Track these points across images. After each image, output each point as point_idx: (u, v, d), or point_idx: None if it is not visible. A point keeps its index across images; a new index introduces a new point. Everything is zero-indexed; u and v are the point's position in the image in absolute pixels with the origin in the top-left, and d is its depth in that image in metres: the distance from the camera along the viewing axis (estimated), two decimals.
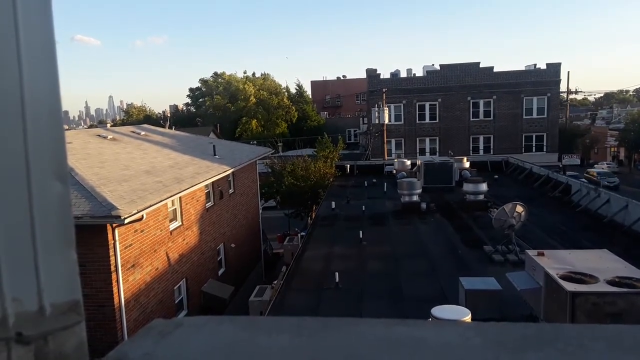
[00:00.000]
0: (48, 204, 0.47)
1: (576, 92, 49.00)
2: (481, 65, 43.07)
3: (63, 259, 0.50)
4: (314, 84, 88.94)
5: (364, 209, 20.90)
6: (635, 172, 56.99)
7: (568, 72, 43.90)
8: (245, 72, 72.42)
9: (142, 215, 13.26)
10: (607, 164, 59.17)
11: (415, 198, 20.32)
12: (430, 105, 43.59)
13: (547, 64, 42.85)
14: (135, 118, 73.51)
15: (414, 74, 49.00)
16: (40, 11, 0.47)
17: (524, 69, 44.09)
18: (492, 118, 43.13)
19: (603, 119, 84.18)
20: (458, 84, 42.74)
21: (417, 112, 43.77)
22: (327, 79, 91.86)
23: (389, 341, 0.52)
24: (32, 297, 0.48)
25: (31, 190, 0.46)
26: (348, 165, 32.89)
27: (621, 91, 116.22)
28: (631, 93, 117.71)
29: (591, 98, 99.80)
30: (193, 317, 0.61)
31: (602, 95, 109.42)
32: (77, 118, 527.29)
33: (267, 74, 73.91)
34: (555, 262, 8.66)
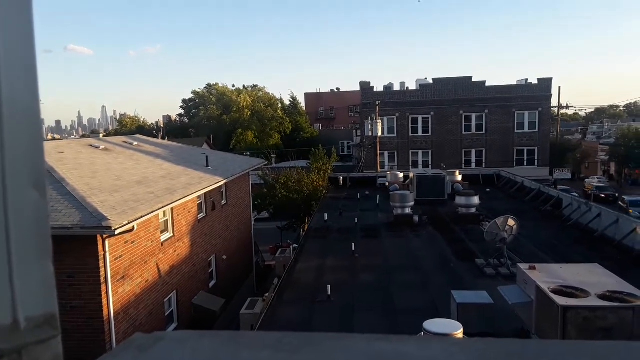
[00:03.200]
0: (24, 213, 0.46)
1: (567, 107, 49.56)
2: (473, 80, 43.49)
3: (39, 271, 0.48)
4: (308, 96, 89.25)
5: (356, 221, 20.87)
6: (625, 187, 57.45)
7: (559, 87, 44.57)
8: (234, 86, 72.43)
9: (133, 226, 13.16)
10: (597, 178, 59.64)
11: (408, 211, 20.35)
12: (423, 118, 43.87)
13: (539, 79, 43.34)
14: (129, 128, 73.24)
15: (407, 88, 49.32)
16: (19, 17, 0.46)
17: (515, 83, 44.56)
18: (484, 132, 43.45)
19: (594, 134, 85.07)
20: (451, 98, 43.09)
21: (410, 125, 44.01)
22: (321, 91, 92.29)
23: (372, 357, 0.51)
24: (6, 310, 0.46)
25: (7, 199, 0.45)
26: (341, 178, 32.90)
27: (612, 106, 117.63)
28: (622, 108, 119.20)
29: (582, 113, 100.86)
30: (174, 331, 0.60)
31: (592, 110, 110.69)
32: (69, 128, 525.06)
33: (260, 86, 74.16)
34: (547, 276, 8.67)
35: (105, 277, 12.76)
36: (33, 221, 0.47)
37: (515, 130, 43.22)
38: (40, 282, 0.49)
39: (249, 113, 63.99)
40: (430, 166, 41.47)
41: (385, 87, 49.90)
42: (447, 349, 0.51)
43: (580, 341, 0.53)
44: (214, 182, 20.56)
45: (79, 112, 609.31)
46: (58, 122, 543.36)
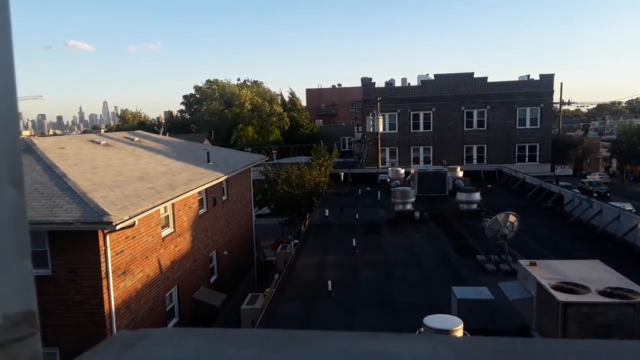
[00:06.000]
0: (1, 210, 0.45)
1: (569, 103, 49.32)
2: (475, 76, 43.33)
3: (17, 268, 0.47)
4: (309, 91, 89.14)
5: (357, 217, 20.88)
6: (627, 183, 57.38)
7: (561, 83, 44.10)
8: (238, 79, 72.48)
9: (134, 222, 13.17)
10: (599, 174, 59.57)
11: (409, 207, 20.33)
12: (424, 114, 43.77)
13: (541, 75, 43.17)
14: (130, 124, 73.29)
15: (409, 84, 49.21)
16: None
17: (517, 79, 44.39)
18: (485, 128, 43.34)
19: (595, 130, 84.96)
20: (452, 94, 42.96)
21: (412, 121, 43.93)
22: (323, 87, 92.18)
23: (358, 355, 0.50)
24: None
25: None
26: (342, 173, 32.90)
27: (613, 103, 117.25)
28: (623, 105, 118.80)
29: (584, 109, 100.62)
30: (159, 328, 0.59)
31: (594, 106, 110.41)
32: (71, 123, 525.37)
33: (260, 82, 73.98)
34: (547, 272, 8.67)
35: (107, 273, 12.79)
36: (10, 218, 0.47)
37: (517, 127, 43.09)
38: (18, 279, 0.48)
39: (250, 108, 63.89)
40: (431, 162, 41.41)
41: (387, 83, 49.79)
42: (434, 347, 0.50)
43: (569, 340, 0.52)
44: (215, 177, 20.56)
45: (80, 107, 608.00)
46: (59, 118, 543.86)
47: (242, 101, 63.70)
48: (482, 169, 33.57)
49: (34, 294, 0.50)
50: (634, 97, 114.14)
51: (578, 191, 29.18)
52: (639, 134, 58.51)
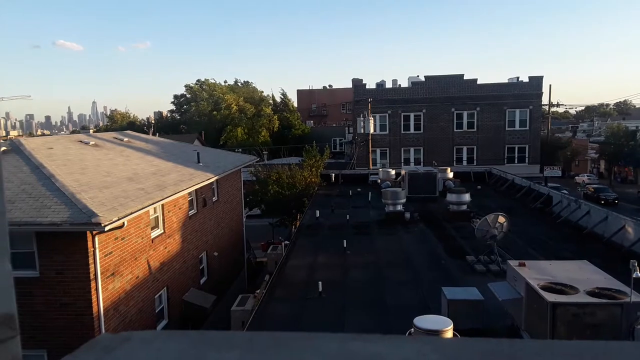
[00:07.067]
0: None
1: (558, 105, 49.64)
2: (465, 78, 43.57)
3: None
4: (300, 92, 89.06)
5: (348, 218, 20.89)
6: (615, 184, 57.96)
7: (550, 85, 44.54)
8: (225, 81, 72.16)
9: (123, 223, 13.06)
10: (587, 176, 60.09)
11: (400, 208, 20.39)
12: (415, 115, 43.92)
13: (530, 77, 43.51)
14: (119, 124, 72.77)
15: (399, 85, 49.32)
16: None
17: (506, 81, 44.69)
18: (475, 129, 43.59)
19: (584, 132, 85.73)
20: (442, 95, 43.15)
21: (402, 123, 44.06)
22: (314, 87, 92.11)
23: (343, 357, 0.50)
24: None
25: None
26: (333, 174, 32.92)
27: (602, 104, 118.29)
28: (611, 107, 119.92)
29: (572, 111, 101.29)
30: (142, 331, 0.58)
31: (583, 108, 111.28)
32: (59, 123, 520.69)
33: (249, 82, 73.77)
34: (536, 272, 8.73)
35: (95, 274, 12.67)
36: None
37: (507, 128, 43.39)
38: None
39: (236, 109, 63.73)
40: (421, 163, 41.53)
41: (378, 85, 49.88)
42: (420, 349, 0.50)
43: (556, 340, 0.52)
44: (205, 178, 20.45)
45: (69, 107, 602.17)
46: (48, 118, 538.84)
47: (229, 103, 63.55)
48: (472, 170, 33.78)
49: (14, 296, 0.49)
50: (622, 99, 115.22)
51: (566, 192, 29.36)
52: (627, 135, 59.14)
